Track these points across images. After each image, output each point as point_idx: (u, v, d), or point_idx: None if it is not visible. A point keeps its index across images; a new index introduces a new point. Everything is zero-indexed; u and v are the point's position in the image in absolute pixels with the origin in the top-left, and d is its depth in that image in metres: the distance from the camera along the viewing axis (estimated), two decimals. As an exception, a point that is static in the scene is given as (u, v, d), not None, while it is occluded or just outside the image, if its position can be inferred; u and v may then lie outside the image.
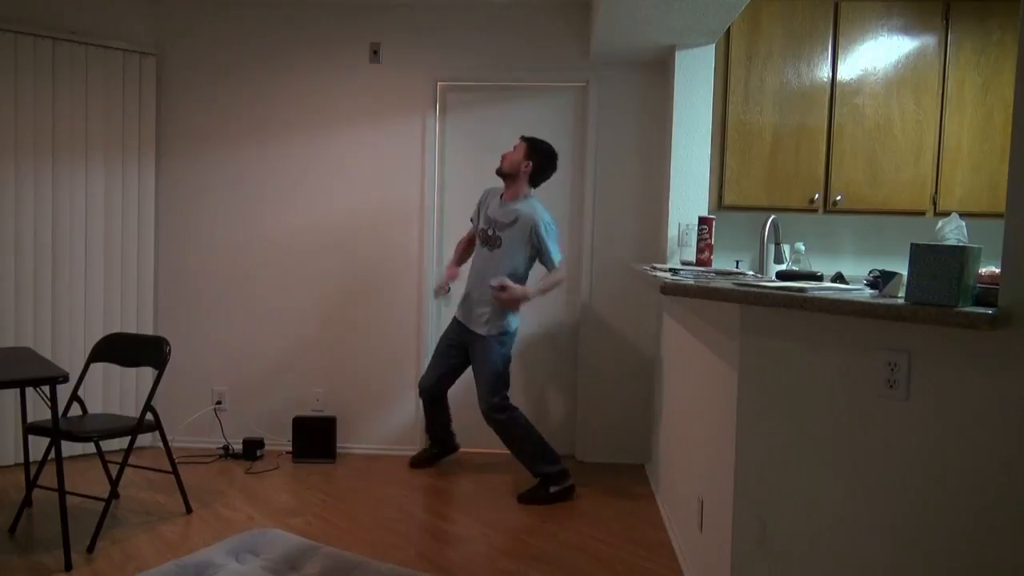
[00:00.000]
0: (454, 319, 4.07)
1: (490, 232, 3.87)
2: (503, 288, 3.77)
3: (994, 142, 3.89)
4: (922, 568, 1.86)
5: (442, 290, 4.16)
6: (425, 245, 4.49)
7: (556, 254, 3.86)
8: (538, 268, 3.93)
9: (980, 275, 1.78)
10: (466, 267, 4.08)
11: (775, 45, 3.92)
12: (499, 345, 3.88)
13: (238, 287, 4.57)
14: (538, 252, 3.86)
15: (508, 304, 3.83)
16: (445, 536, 3.38)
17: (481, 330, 3.88)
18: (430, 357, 4.19)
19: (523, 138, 3.91)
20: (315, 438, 4.37)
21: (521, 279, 3.87)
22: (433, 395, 4.13)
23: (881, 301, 1.78)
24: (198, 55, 4.51)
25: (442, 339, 4.11)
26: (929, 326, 1.79)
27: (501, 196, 3.94)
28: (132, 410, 4.31)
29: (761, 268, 3.66)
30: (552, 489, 3.82)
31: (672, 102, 3.92)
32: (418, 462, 4.33)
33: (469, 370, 4.02)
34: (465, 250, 4.15)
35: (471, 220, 4.10)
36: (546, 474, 3.84)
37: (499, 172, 3.92)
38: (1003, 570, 1.73)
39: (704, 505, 2.66)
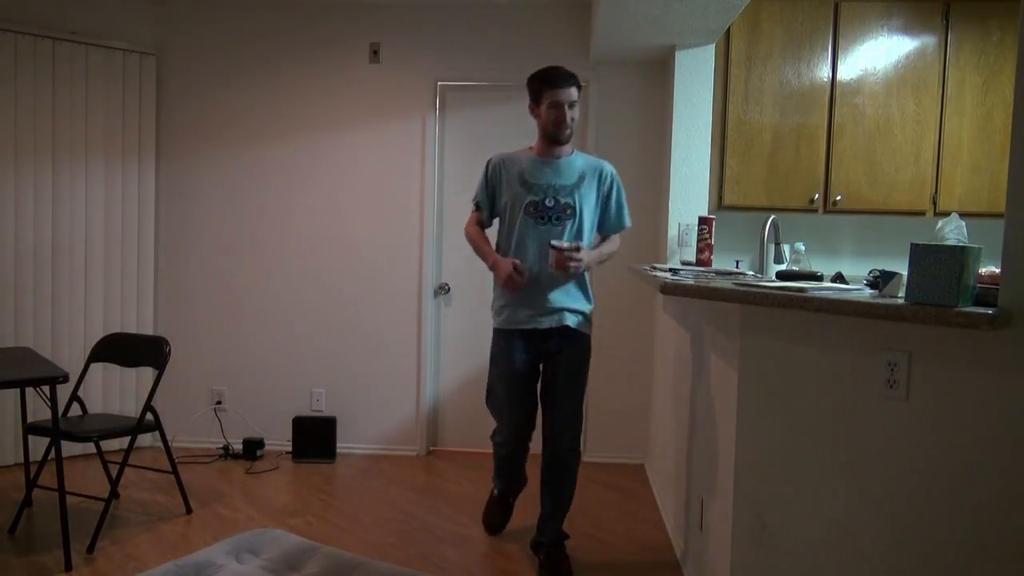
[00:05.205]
0: (514, 334, 3.01)
1: (549, 202, 2.94)
2: (577, 249, 2.86)
3: (994, 142, 3.89)
4: (921, 568, 1.86)
5: (520, 280, 2.95)
6: (425, 245, 4.49)
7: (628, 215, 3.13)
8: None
9: (980, 275, 1.78)
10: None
11: (775, 45, 3.92)
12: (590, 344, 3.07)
13: (238, 287, 4.57)
14: (605, 211, 3.05)
15: (566, 274, 2.92)
16: (445, 536, 3.38)
17: (584, 327, 3.02)
18: (504, 400, 3.11)
19: (576, 82, 2.97)
20: (315, 438, 4.37)
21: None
22: (526, 445, 3.20)
23: (881, 301, 1.78)
24: (198, 55, 4.51)
25: (514, 374, 3.05)
26: (929, 326, 1.79)
27: (531, 155, 3.04)
28: (132, 410, 4.31)
29: (761, 268, 3.65)
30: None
31: (672, 102, 3.92)
32: (497, 527, 3.43)
33: None
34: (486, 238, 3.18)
35: (478, 202, 3.12)
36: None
37: (567, 138, 3.00)
38: (1002, 570, 1.73)
39: (704, 505, 2.66)
